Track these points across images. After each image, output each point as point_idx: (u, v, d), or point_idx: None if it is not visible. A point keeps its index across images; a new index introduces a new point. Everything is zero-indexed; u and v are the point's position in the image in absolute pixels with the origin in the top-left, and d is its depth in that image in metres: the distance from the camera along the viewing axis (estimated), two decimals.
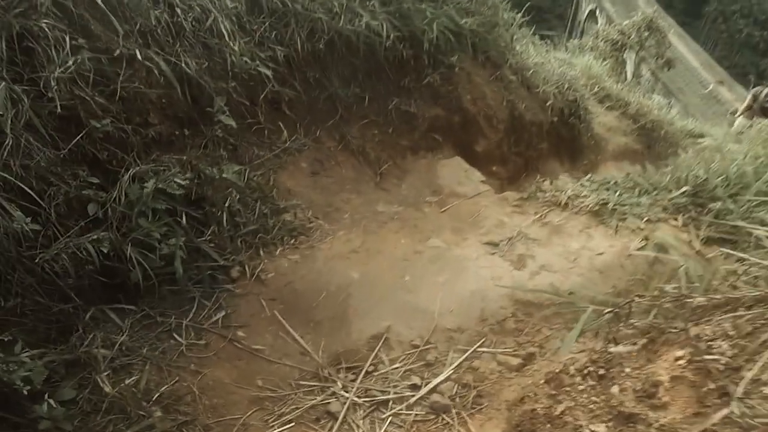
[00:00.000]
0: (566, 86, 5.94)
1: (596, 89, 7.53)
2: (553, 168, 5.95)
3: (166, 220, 2.47)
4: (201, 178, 2.68)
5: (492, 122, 4.82)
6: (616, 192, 3.75)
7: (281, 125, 3.61)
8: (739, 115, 8.57)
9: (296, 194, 3.41)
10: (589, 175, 4.07)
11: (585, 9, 26.42)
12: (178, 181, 2.36)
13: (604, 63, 8.21)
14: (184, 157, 2.73)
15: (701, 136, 9.12)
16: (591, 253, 3.36)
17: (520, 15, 5.60)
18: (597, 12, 25.56)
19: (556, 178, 5.72)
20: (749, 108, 8.33)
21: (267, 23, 3.44)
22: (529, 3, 5.94)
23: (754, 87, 8.53)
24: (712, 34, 31.00)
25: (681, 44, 21.17)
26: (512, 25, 5.31)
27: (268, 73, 3.20)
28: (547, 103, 5.56)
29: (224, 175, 2.61)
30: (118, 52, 2.50)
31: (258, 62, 3.24)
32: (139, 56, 2.53)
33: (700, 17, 32.22)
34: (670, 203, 3.58)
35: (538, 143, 5.53)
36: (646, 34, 11.71)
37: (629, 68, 12.43)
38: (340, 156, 3.82)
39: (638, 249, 3.33)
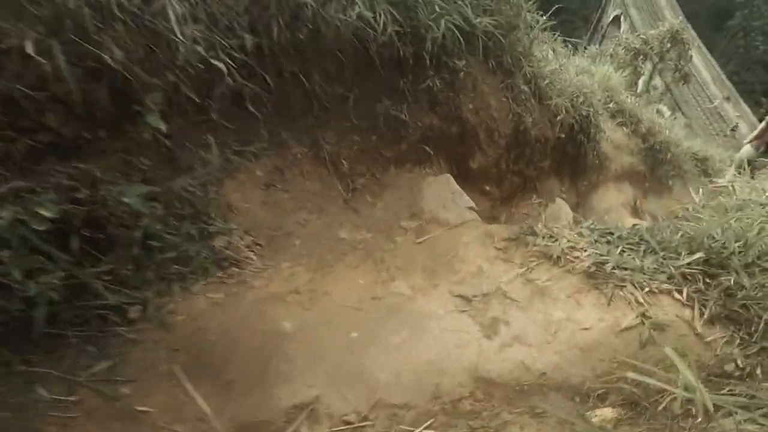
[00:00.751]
0: (581, 100, 5.08)
1: (611, 103, 6.64)
2: (552, 187, 5.16)
3: (38, 253, 1.74)
4: (101, 195, 1.92)
5: (493, 136, 4.01)
6: (618, 248, 3.00)
7: (241, 124, 2.82)
8: (748, 142, 7.68)
9: (240, 212, 2.64)
10: (590, 222, 3.30)
11: (610, 14, 24.82)
12: (44, 212, 1.60)
13: (623, 74, 7.25)
14: (90, 167, 1.96)
15: (705, 159, 8.28)
16: (575, 326, 2.64)
17: (545, 17, 4.67)
18: (621, 18, 23.98)
19: (553, 200, 4.97)
20: (759, 137, 7.45)
21: (241, 6, 2.60)
22: (557, 5, 5.03)
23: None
24: (729, 49, 29.27)
25: (697, 56, 19.82)
26: (534, 28, 4.40)
27: (221, 65, 2.39)
28: (558, 118, 4.72)
29: (125, 199, 1.84)
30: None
31: (216, 52, 2.42)
32: (30, 50, 1.74)
33: (721, 30, 30.39)
34: (678, 271, 2.85)
35: (540, 161, 4.72)
36: (669, 45, 10.63)
37: (643, 79, 11.41)
38: (306, 164, 3.04)
39: (630, 327, 2.64)
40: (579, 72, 6.67)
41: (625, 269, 2.86)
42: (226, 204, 2.57)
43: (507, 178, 4.40)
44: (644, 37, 10.52)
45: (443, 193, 3.55)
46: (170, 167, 2.38)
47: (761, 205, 3.53)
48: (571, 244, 3.04)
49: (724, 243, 2.95)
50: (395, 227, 3.25)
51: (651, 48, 10.32)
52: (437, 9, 3.19)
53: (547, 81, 4.55)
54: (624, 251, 2.99)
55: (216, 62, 2.36)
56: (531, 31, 4.24)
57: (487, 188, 4.26)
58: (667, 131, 7.13)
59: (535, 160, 4.64)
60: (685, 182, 7.77)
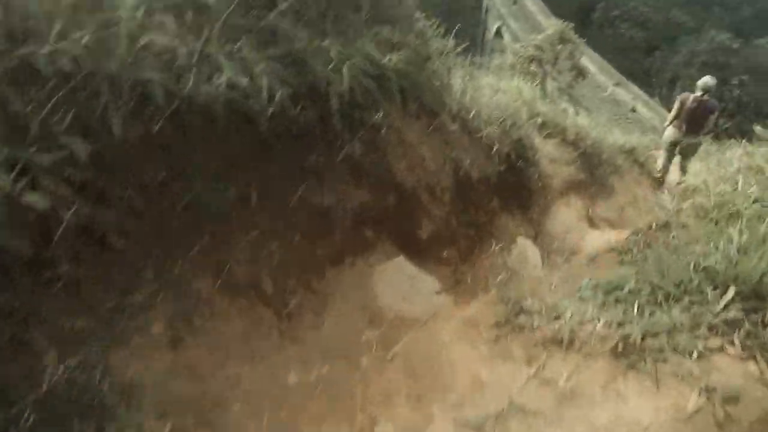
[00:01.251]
0: (509, 123, 4.59)
1: (533, 117, 6.27)
2: (507, 226, 4.57)
3: None
4: None
5: (435, 193, 3.36)
6: (634, 306, 2.37)
7: (108, 269, 1.95)
8: (668, 125, 7.61)
9: (145, 390, 1.78)
10: (587, 281, 2.66)
11: (492, 28, 25.93)
12: None
13: (535, 84, 6.99)
14: None
15: (633, 150, 8.15)
16: (630, 428, 1.96)
17: (451, 40, 4.16)
18: (502, 29, 25.09)
19: (513, 241, 4.37)
20: (677, 116, 7.39)
21: (52, 101, 1.77)
22: (443, 26, 4.56)
23: (680, 93, 7.58)
24: (601, 40, 31.45)
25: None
26: (446, 54, 3.85)
27: (35, 200, 1.55)
28: (494, 150, 4.17)
29: None
30: None
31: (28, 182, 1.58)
32: None
33: (589, 25, 32.70)
34: (718, 318, 2.24)
35: (488, 203, 4.13)
36: (560, 47, 10.79)
37: (546, 81, 11.54)
38: (218, 300, 2.20)
39: (698, 410, 1.99)
40: (493, 92, 6.30)
41: (657, 334, 2.21)
42: (123, 386, 1.69)
43: (460, 234, 3.74)
44: (536, 42, 10.64)
45: (400, 283, 2.82)
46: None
47: (742, 197, 3.08)
48: (578, 317, 2.37)
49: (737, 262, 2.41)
50: (355, 345, 2.47)
51: (544, 52, 10.41)
52: (334, 55, 2.51)
53: (473, 112, 4.00)
54: (644, 310, 2.35)
55: (31, 198, 1.52)
56: (445, 59, 3.68)
57: (444, 254, 3.57)
58: (594, 132, 6.88)
59: (484, 203, 4.04)
60: (622, 177, 7.55)
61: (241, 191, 2.43)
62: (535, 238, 5.03)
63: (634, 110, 19.01)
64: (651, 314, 2.31)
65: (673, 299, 2.39)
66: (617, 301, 2.44)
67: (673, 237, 3.29)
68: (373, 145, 2.92)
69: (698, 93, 7.05)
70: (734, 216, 2.98)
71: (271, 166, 2.51)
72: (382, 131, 2.93)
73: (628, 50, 32.16)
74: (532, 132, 5.54)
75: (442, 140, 3.45)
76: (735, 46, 30.72)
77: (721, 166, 3.63)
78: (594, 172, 6.74)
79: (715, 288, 2.36)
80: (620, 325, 2.28)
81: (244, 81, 2.08)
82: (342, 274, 2.79)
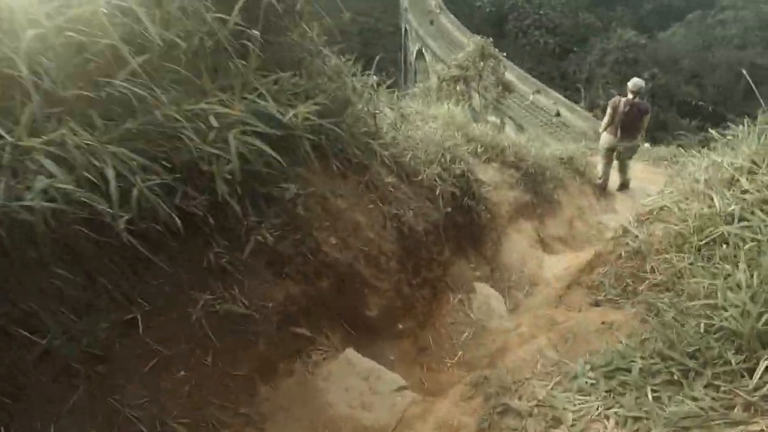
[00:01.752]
0: (448, 158, 4.14)
1: (469, 142, 5.91)
2: (462, 272, 4.09)
3: None
4: None
5: (379, 263, 2.82)
6: (647, 391, 1.89)
7: None
8: (603, 131, 7.52)
9: None
10: (582, 366, 2.15)
11: (413, 50, 26.08)
12: None
13: (464, 105, 6.66)
14: None
15: (571, 159, 7.97)
16: None
17: (370, 74, 3.66)
18: (423, 50, 25.27)
19: (471, 289, 3.88)
20: (611, 121, 7.30)
21: None
22: (362, 58, 4.07)
23: (612, 98, 7.52)
24: (517, 49, 32.48)
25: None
26: (369, 92, 3.32)
27: None
28: (437, 192, 3.69)
29: None
30: None
31: None
32: None
33: (504, 36, 33.74)
34: (752, 396, 1.79)
35: (439, 253, 3.62)
36: (481, 63, 10.67)
37: (475, 99, 11.39)
38: None
39: None
40: (425, 122, 5.89)
41: (687, 429, 1.74)
42: None
43: (415, 298, 3.21)
44: (458, 62, 10.46)
45: (354, 384, 2.26)
46: None
47: (722, 218, 2.72)
48: (580, 413, 1.86)
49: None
50: None
51: (467, 70, 10.25)
52: (214, 122, 1.92)
53: (408, 155, 3.51)
54: (659, 393, 1.88)
55: None
56: (369, 99, 3.16)
57: (400, 326, 3.03)
58: (533, 149, 6.61)
59: (435, 255, 3.53)
60: (566, 190, 7.33)
61: (118, 319, 1.78)
62: (492, 274, 4.58)
63: (558, 114, 19.44)
64: (670, 399, 1.84)
65: (692, 375, 1.93)
66: (625, 385, 1.96)
67: (653, 270, 2.90)
68: (291, 223, 2.35)
69: (629, 96, 6.97)
70: (718, 242, 2.61)
71: (154, 280, 1.88)
72: (299, 204, 2.36)
73: (543, 56, 33.38)
74: (473, 161, 5.14)
75: (377, 197, 2.92)
76: (642, 41, 32.58)
77: (686, 179, 3.29)
78: (538, 190, 6.44)
79: (738, 351, 1.93)
80: (636, 420, 1.79)
81: (67, 187, 1.44)
82: (279, 388, 2.18)
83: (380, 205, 2.90)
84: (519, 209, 5.86)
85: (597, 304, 3.22)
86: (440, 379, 2.92)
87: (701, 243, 2.65)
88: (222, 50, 2.19)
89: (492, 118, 15.77)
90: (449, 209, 3.85)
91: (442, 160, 4.05)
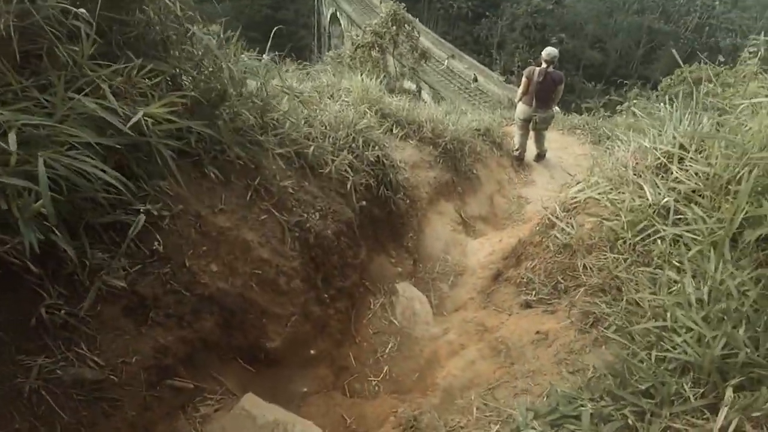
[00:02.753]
0: (361, 142, 3.64)
1: (386, 119, 5.42)
2: (382, 271, 3.67)
3: None
4: None
5: (278, 285, 2.31)
6: None
7: None
8: (518, 101, 7.31)
9: None
10: (524, 414, 1.77)
11: (327, 14, 24.78)
12: None
13: (378, 80, 6.12)
14: None
15: (488, 131, 7.73)
16: None
17: (266, 54, 3.07)
18: (338, 14, 24.07)
19: (392, 290, 3.47)
20: (525, 92, 7.10)
21: None
22: (265, 24, 3.44)
23: (525, 68, 7.30)
24: (432, 13, 32.01)
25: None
26: (262, 73, 2.72)
27: None
28: (348, 185, 3.20)
29: None
30: None
31: None
32: None
33: (419, 0, 33.14)
34: None
35: (355, 255, 3.16)
36: (395, 29, 10.09)
37: (390, 66, 10.85)
38: None
39: None
40: (334, 95, 5.32)
41: None
42: None
43: (328, 314, 2.74)
44: (372, 28, 9.82)
45: None
46: None
47: (654, 211, 2.46)
48: None
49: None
50: None
51: (382, 38, 9.65)
52: (13, 142, 1.30)
53: (311, 145, 2.96)
54: None
55: None
56: (256, 86, 2.56)
57: (312, 352, 2.56)
58: (451, 125, 6.23)
59: (350, 259, 3.06)
60: (485, 164, 7.08)
61: None
62: (415, 267, 4.21)
63: (476, 80, 19.37)
64: None
65: (648, 417, 1.61)
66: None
67: (586, 269, 2.60)
68: (153, 255, 1.77)
69: (543, 65, 6.75)
70: (652, 238, 2.33)
71: None
72: (163, 229, 1.78)
73: (457, 20, 33.17)
74: (389, 141, 4.67)
75: (272, 205, 2.37)
76: (549, 7, 33.22)
77: (613, 165, 3.01)
78: (458, 167, 6.11)
79: (696, 384, 1.64)
80: None
81: None
82: None
83: (276, 213, 2.36)
84: (439, 189, 5.50)
85: (528, 305, 2.91)
86: (365, 411, 2.50)
87: (635, 240, 2.37)
88: (42, 34, 1.54)
89: (408, 84, 15.39)
90: (364, 203, 3.38)
91: (354, 145, 3.55)
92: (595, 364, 1.82)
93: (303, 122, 3.07)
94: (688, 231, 2.17)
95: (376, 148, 3.75)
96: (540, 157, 7.95)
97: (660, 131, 3.02)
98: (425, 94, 18.99)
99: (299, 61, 7.74)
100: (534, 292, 2.92)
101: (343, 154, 3.29)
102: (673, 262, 2.00)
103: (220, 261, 2.07)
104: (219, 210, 2.10)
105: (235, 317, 2.19)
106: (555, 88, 6.93)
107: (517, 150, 7.73)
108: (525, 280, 3.11)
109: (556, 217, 3.14)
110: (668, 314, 1.80)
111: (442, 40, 26.29)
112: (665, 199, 2.42)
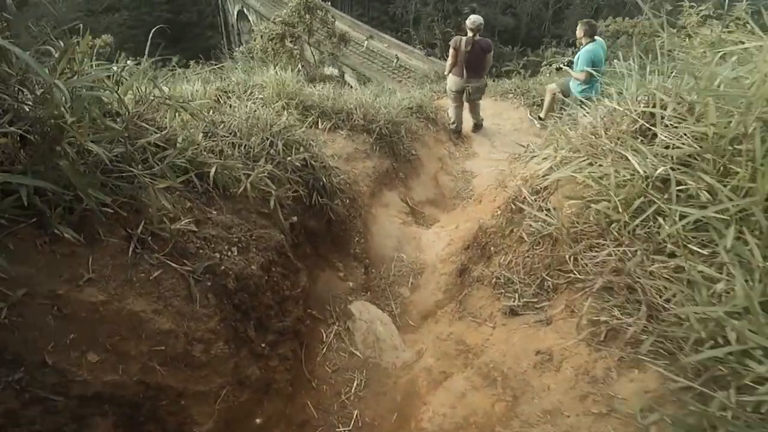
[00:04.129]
0: (281, 146, 3.04)
1: (305, 112, 4.82)
2: (330, 287, 3.13)
3: None
4: None
5: (192, 356, 1.72)
6: None
7: None
8: (448, 73, 6.88)
9: None
10: None
11: (233, 11, 23.35)
12: None
13: (296, 71, 5.48)
14: None
15: (420, 108, 7.25)
16: None
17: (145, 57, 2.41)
18: (245, 11, 22.73)
19: (346, 313, 2.95)
20: (455, 63, 6.68)
21: None
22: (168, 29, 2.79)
23: (452, 38, 6.83)
24: None
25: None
26: (142, 82, 2.08)
27: None
28: (271, 203, 2.61)
29: None
30: None
31: None
32: None
33: None
34: None
35: (294, 285, 2.59)
36: (308, 16, 9.38)
37: (308, 55, 10.15)
38: None
39: None
40: (247, 91, 4.67)
41: None
42: None
43: (271, 368, 2.17)
44: (282, 18, 9.06)
45: None
46: None
47: (644, 181, 2.02)
48: None
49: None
50: None
51: (294, 27, 8.93)
52: None
53: (215, 163, 2.34)
54: None
55: None
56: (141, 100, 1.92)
57: (258, 420, 2.00)
58: (383, 108, 5.68)
59: (287, 291, 2.49)
60: (423, 142, 6.62)
61: None
62: (367, 276, 3.68)
63: (397, 59, 18.86)
64: None
65: None
66: None
67: (577, 262, 2.15)
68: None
69: (469, 34, 6.31)
70: (652, 218, 1.88)
71: None
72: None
73: (372, 1, 32.36)
74: (316, 137, 4.08)
75: (167, 255, 1.76)
76: None
77: (581, 134, 2.57)
78: (396, 151, 5.61)
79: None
80: None
81: None
82: None
83: (173, 265, 1.75)
84: (380, 180, 4.98)
85: (513, 311, 2.43)
86: None
87: (634, 223, 1.91)
88: None
89: (330, 70, 14.68)
90: (294, 219, 2.80)
91: (273, 151, 2.95)
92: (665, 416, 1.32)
93: (201, 136, 2.44)
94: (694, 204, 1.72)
95: (301, 149, 3.16)
96: (477, 127, 7.57)
97: (621, 90, 2.60)
98: (349, 78, 18.36)
99: (208, 62, 6.95)
100: (517, 295, 2.46)
101: (260, 164, 2.69)
102: (693, 247, 1.55)
103: (99, 347, 1.47)
104: (86, 281, 1.48)
105: (141, 410, 1.60)
106: (484, 56, 6.54)
107: (453, 123, 7.31)
108: (502, 280, 2.64)
109: (525, 202, 2.68)
110: (728, 330, 1.31)
111: (359, 23, 25.59)
112: (659, 169, 1.97)
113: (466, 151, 7.23)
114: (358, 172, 4.70)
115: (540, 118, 7.51)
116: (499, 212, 3.34)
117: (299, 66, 10.06)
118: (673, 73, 2.34)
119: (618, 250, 1.87)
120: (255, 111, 3.23)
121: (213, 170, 2.21)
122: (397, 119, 5.82)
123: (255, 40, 9.19)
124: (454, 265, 3.75)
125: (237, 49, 9.02)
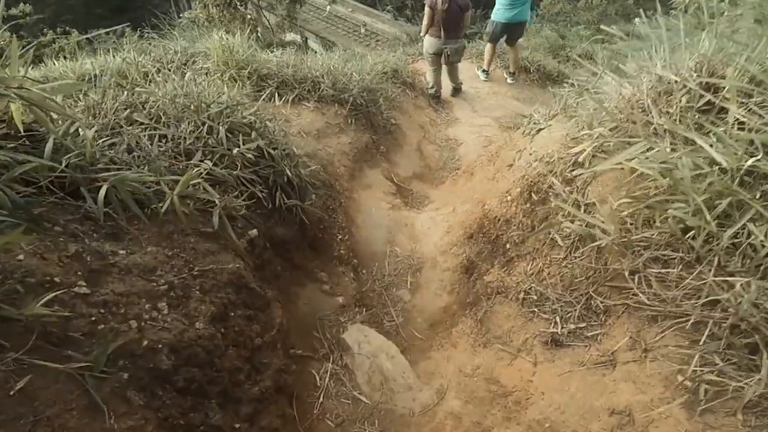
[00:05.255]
0: (223, 132, 2.18)
1: (260, 80, 3.92)
2: (314, 306, 2.35)
3: None
4: None
5: None
6: None
7: None
8: (424, 35, 5.98)
9: None
10: None
11: None
12: None
13: (247, 36, 4.50)
14: None
15: (396, 72, 6.34)
16: None
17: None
18: None
19: (345, 347, 2.19)
20: (431, 23, 5.77)
21: None
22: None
23: None
24: None
25: None
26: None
27: None
28: (214, 217, 1.78)
29: None
30: None
31: None
32: None
33: None
34: None
35: (266, 327, 1.80)
36: None
37: (258, 20, 9.03)
38: None
39: None
40: (192, 65, 3.78)
41: None
42: None
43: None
44: None
45: None
46: None
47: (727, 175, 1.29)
48: None
49: None
50: None
51: None
52: None
53: (112, 176, 1.50)
54: None
55: None
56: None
57: None
58: (356, 75, 4.77)
59: (255, 340, 1.70)
60: (403, 110, 5.75)
61: None
62: (356, 280, 2.91)
63: (365, 25, 17.58)
64: None
65: None
66: None
67: (641, 277, 1.42)
68: None
69: None
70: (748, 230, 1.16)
71: None
72: None
73: None
74: (275, 114, 3.21)
75: (42, 355, 0.95)
76: None
77: (622, 107, 1.79)
78: (374, 122, 4.76)
79: None
80: None
81: None
82: None
83: (49, 364, 0.94)
84: (359, 157, 4.14)
85: (557, 341, 1.70)
86: None
87: (721, 232, 1.19)
88: None
89: (291, 36, 13.53)
90: (254, 232, 1.99)
91: (213, 141, 2.09)
92: None
93: (95, 134, 1.58)
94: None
95: (253, 135, 2.30)
96: (457, 91, 6.72)
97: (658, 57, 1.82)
98: (312, 43, 17.01)
99: (150, 30, 5.85)
100: (558, 319, 1.72)
101: (195, 162, 1.85)
102: None
103: None
104: None
105: None
106: (462, 15, 5.66)
107: (432, 88, 6.44)
108: (533, 295, 1.90)
109: (553, 193, 1.92)
110: None
111: None
112: (748, 160, 1.25)
113: (447, 117, 6.39)
114: (333, 150, 3.85)
115: (485, 71, 7.15)
116: (510, 199, 2.59)
117: (257, 32, 8.97)
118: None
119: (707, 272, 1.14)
120: (185, 86, 2.34)
121: (103, 190, 1.37)
122: (373, 86, 4.93)
123: (198, 5, 8.03)
124: (458, 258, 3.02)
125: (182, 15, 7.84)
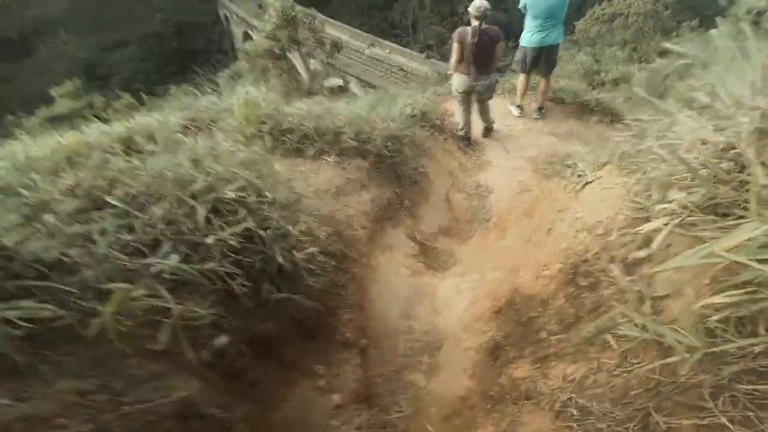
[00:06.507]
0: (201, 215, 1.81)
1: (280, 134, 3.61)
2: (303, 407, 1.90)
3: None
4: None
5: None
6: None
7: None
8: (453, 72, 5.45)
9: None
10: None
11: (238, 34, 22.16)
12: None
13: (284, 78, 4.26)
14: None
15: (424, 113, 5.93)
16: None
17: None
18: (250, 32, 21.54)
19: None
20: (460, 59, 5.24)
21: None
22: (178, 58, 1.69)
23: (456, 30, 5.42)
24: (347, 6, 29.77)
25: (326, 26, 18.78)
26: None
27: None
28: (162, 337, 1.38)
29: None
30: None
31: None
32: None
33: None
34: None
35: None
36: (291, 28, 8.15)
37: (300, 67, 8.94)
38: None
39: None
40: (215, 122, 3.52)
41: None
42: None
43: None
44: (266, 33, 7.85)
45: None
46: None
47: None
48: None
49: None
50: None
51: (281, 40, 7.73)
52: None
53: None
54: None
55: None
56: None
57: None
58: (380, 122, 4.42)
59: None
60: (430, 154, 5.31)
61: None
62: (363, 365, 2.44)
63: (401, 67, 17.60)
64: None
65: None
66: None
67: None
68: None
69: (474, 23, 4.95)
70: None
71: None
72: None
73: (371, 10, 31.00)
74: (285, 176, 2.86)
75: None
76: None
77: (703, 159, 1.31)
78: (400, 173, 4.34)
79: None
80: None
81: None
82: None
83: None
84: (381, 215, 3.72)
85: None
86: None
87: None
88: None
89: (333, 81, 13.46)
90: (222, 340, 1.58)
91: (188, 227, 1.73)
92: None
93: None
94: None
95: (242, 212, 1.92)
96: (488, 130, 6.17)
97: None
98: (353, 87, 17.07)
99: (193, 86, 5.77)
100: None
101: (151, 261, 1.48)
102: None
103: None
104: None
105: None
106: (494, 47, 5.11)
107: (462, 129, 5.94)
108: (572, 408, 1.39)
109: (609, 284, 1.43)
110: None
111: (360, 32, 24.28)
112: None
113: (478, 160, 5.90)
114: (352, 210, 3.46)
115: (518, 106, 6.54)
116: (549, 275, 2.09)
117: (295, 80, 8.87)
118: None
119: None
120: (172, 160, 2.00)
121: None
122: (399, 133, 4.55)
123: (239, 59, 8.04)
124: (483, 336, 2.52)
125: (223, 70, 7.84)
